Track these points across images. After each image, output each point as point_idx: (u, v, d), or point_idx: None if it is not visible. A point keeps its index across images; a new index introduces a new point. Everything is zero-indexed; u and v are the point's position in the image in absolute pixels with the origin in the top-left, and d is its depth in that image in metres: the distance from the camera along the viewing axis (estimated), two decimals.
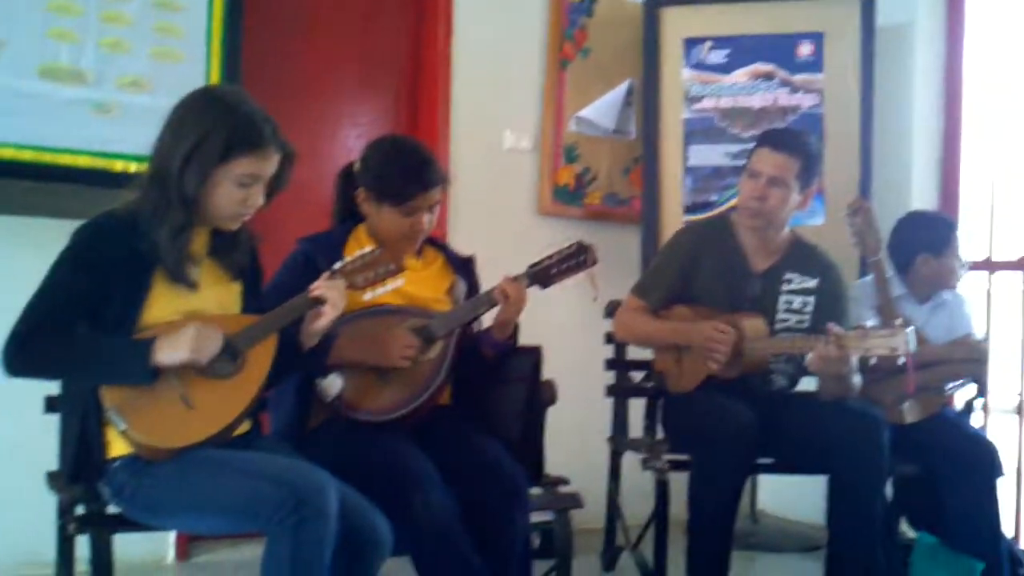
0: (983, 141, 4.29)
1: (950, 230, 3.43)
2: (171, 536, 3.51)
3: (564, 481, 2.69)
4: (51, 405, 2.40)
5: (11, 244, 3.20)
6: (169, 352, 2.05)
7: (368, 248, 2.36)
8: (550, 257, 2.65)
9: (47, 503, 2.41)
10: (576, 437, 3.85)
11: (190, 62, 3.41)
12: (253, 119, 2.15)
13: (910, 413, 3.16)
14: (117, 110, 3.31)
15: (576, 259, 2.63)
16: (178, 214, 2.13)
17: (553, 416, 2.74)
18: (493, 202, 4.20)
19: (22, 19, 3.17)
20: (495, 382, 2.72)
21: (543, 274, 2.64)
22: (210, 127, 2.11)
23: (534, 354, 2.70)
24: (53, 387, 2.31)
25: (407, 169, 2.62)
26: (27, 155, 3.17)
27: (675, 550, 3.02)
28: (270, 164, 2.19)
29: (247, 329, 2.19)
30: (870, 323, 2.89)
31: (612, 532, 3.64)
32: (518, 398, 2.69)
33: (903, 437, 3.04)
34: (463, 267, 2.83)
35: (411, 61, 4.23)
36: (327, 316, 2.25)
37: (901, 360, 2.77)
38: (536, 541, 2.62)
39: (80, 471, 2.15)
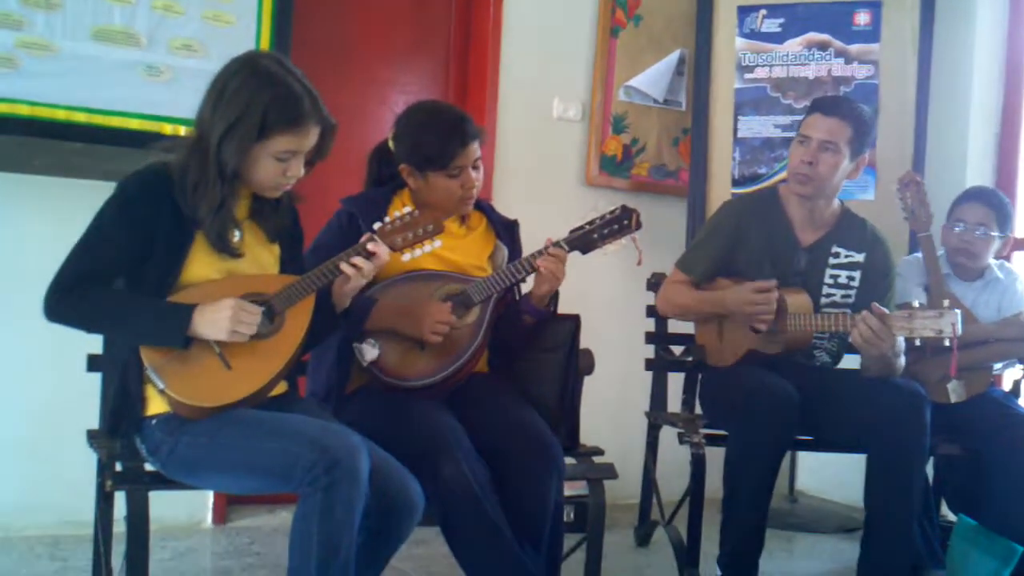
0: None
1: (957, 202, 3.36)
2: (209, 499, 3.55)
3: (599, 452, 2.67)
4: (93, 364, 2.44)
5: (63, 207, 3.19)
6: (208, 327, 2.07)
7: (408, 209, 2.34)
8: (592, 222, 2.61)
9: (88, 463, 2.46)
10: (614, 411, 3.87)
11: (241, 26, 3.42)
12: (292, 93, 2.14)
13: (955, 392, 3.11)
14: (168, 73, 3.34)
15: (619, 223, 2.59)
16: (216, 191, 2.14)
17: (592, 389, 2.73)
18: (539, 171, 4.18)
19: None
20: (532, 350, 2.70)
21: (584, 239, 2.60)
22: (248, 103, 2.11)
23: (572, 322, 2.67)
24: (96, 346, 2.35)
25: (442, 130, 2.61)
26: (80, 117, 3.22)
27: (710, 526, 3.00)
28: (309, 139, 2.19)
29: (285, 289, 2.20)
30: (917, 302, 2.83)
31: (647, 507, 3.62)
32: (555, 366, 2.66)
33: (947, 417, 3.00)
34: (506, 230, 2.81)
35: (461, 27, 4.22)
36: (355, 281, 2.27)
37: (947, 342, 2.73)
38: (569, 515, 2.60)
39: (119, 427, 2.19)
